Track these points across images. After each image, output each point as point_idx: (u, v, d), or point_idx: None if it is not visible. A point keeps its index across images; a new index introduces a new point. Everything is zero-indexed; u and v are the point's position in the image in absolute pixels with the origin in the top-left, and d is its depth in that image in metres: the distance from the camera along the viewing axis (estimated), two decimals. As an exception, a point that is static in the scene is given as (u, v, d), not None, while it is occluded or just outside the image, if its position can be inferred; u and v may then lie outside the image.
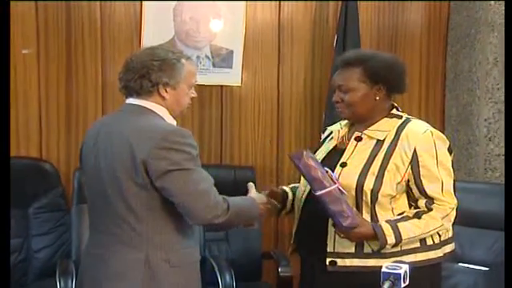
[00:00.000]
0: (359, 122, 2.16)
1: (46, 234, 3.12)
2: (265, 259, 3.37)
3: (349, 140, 2.17)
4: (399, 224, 2.03)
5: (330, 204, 2.00)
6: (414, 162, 2.06)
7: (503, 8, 3.28)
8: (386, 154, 2.08)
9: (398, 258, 2.01)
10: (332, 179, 2.04)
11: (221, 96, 3.69)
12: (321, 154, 2.24)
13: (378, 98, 2.11)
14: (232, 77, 3.68)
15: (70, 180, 3.21)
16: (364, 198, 2.06)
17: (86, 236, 2.95)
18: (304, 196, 2.21)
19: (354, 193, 2.08)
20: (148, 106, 2.05)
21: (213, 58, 3.62)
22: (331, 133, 2.30)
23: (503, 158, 3.39)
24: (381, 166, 2.06)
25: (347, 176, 2.09)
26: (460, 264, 2.85)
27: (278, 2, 3.60)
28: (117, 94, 3.35)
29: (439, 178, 2.04)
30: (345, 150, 2.15)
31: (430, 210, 2.08)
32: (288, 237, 3.62)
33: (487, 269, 2.80)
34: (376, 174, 2.06)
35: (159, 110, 2.06)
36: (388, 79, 2.11)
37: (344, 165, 2.10)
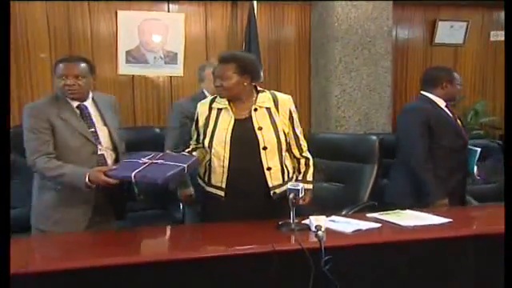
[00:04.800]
0: (233, 100, 2.33)
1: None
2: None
3: (240, 111, 2.33)
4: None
5: (189, 165, 2.16)
6: (291, 118, 2.41)
7: (342, 27, 4.15)
8: (278, 116, 2.35)
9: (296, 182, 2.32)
10: (148, 160, 2.18)
11: (170, 82, 4.35)
12: (222, 126, 2.31)
13: (245, 83, 2.32)
14: (177, 70, 4.32)
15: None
16: (282, 147, 2.35)
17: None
18: (228, 146, 2.30)
19: (276, 146, 2.32)
20: None
21: (164, 58, 4.26)
22: (209, 110, 2.37)
23: (346, 119, 4.23)
24: (280, 124, 2.35)
25: (267, 135, 2.31)
26: (324, 184, 3.34)
27: (204, 19, 4.19)
28: (103, 85, 3.96)
29: (299, 126, 2.48)
30: (248, 119, 2.32)
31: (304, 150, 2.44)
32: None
33: (343, 185, 3.35)
34: (281, 130, 2.34)
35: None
36: (252, 72, 2.33)
37: (261, 128, 2.32)
